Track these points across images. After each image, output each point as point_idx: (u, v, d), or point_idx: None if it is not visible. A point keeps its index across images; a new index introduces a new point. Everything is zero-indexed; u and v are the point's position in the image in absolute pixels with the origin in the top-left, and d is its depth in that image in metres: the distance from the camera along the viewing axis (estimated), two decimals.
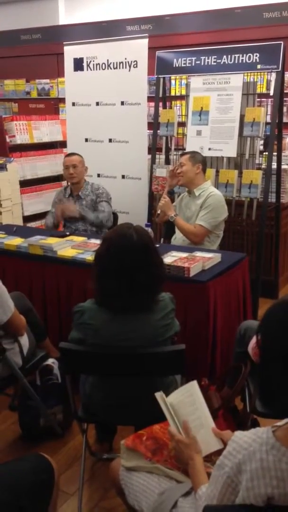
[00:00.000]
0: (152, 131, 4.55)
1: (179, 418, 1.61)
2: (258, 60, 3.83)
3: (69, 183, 4.12)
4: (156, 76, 4.39)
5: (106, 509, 2.18)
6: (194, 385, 1.67)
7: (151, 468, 1.60)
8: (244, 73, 3.91)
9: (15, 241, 3.21)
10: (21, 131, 5.03)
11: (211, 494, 1.22)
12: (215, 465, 1.25)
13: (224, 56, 3.96)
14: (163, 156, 4.64)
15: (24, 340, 2.47)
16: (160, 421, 1.72)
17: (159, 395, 1.63)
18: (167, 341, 1.98)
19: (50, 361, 2.69)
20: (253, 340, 2.13)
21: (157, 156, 4.53)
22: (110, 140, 4.65)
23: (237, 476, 1.17)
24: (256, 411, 2.08)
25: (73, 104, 4.85)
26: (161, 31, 6.64)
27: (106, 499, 2.23)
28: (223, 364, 2.69)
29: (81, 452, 2.30)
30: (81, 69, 4.70)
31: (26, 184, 4.99)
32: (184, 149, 4.17)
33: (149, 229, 3.15)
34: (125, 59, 4.41)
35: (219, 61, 4.00)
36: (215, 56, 4.01)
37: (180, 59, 4.19)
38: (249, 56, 3.86)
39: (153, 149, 4.48)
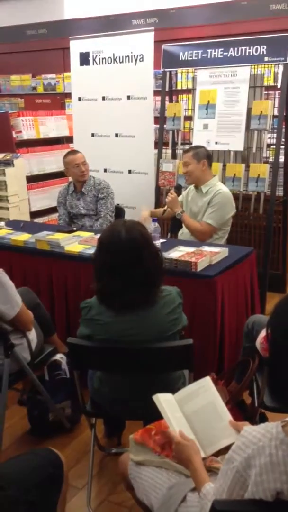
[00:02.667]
0: (158, 126, 4.53)
1: (191, 416, 1.60)
2: (265, 53, 3.80)
3: (71, 180, 4.08)
4: (162, 70, 4.37)
5: (115, 503, 2.19)
6: (207, 380, 1.67)
7: (160, 462, 1.61)
8: (251, 65, 3.88)
9: (23, 237, 3.22)
10: (28, 127, 5.03)
11: (220, 489, 1.22)
12: (224, 459, 1.25)
13: (231, 49, 3.94)
14: (169, 151, 4.62)
15: (32, 335, 2.49)
16: None
17: (156, 398, 1.62)
18: (175, 336, 1.97)
19: (58, 356, 2.70)
20: (262, 334, 2.13)
21: (163, 150, 4.52)
22: (116, 135, 4.64)
23: (246, 471, 1.17)
24: (265, 406, 2.08)
25: (79, 99, 4.84)
26: (167, 24, 6.59)
27: (115, 493, 2.24)
28: (231, 359, 2.68)
29: (90, 447, 2.31)
30: (87, 63, 4.68)
31: (33, 180, 4.99)
32: (191, 143, 4.15)
33: (156, 224, 3.15)
34: (131, 53, 4.39)
35: (226, 53, 3.97)
36: (222, 49, 3.98)
37: (186, 52, 4.17)
38: (256, 49, 3.83)
39: (159, 144, 4.47)
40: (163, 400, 1.62)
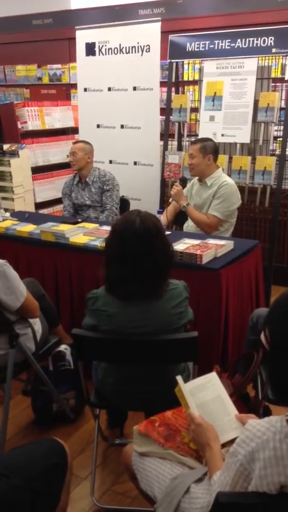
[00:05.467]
0: (164, 117, 4.51)
1: (198, 407, 1.61)
2: (272, 44, 3.77)
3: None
4: (168, 61, 4.34)
5: (118, 493, 2.21)
6: (214, 375, 1.67)
7: (163, 454, 1.61)
8: (258, 57, 3.85)
9: (28, 228, 3.22)
10: (33, 117, 5.01)
11: (224, 481, 1.23)
12: (228, 453, 1.25)
13: (238, 40, 3.90)
14: (175, 143, 4.59)
15: (38, 326, 2.50)
16: (173, 408, 1.73)
17: (179, 378, 1.63)
18: (180, 329, 1.98)
19: (63, 347, 2.71)
20: None
21: (169, 142, 4.49)
22: (122, 126, 4.62)
23: (250, 464, 1.17)
24: (268, 399, 2.08)
25: (85, 89, 4.81)
26: (174, 15, 6.52)
27: (119, 483, 2.25)
28: (235, 352, 2.69)
29: (94, 437, 2.33)
30: (93, 54, 4.65)
31: (38, 171, 4.98)
32: (197, 135, 4.13)
33: (161, 216, 3.14)
34: (138, 43, 4.36)
35: (233, 45, 3.94)
36: (229, 40, 3.95)
37: (193, 43, 4.13)
38: (264, 40, 3.80)
39: (165, 135, 4.44)
40: (183, 383, 1.63)
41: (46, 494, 1.56)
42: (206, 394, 1.63)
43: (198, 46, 4.12)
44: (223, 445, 1.50)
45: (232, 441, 1.29)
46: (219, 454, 1.43)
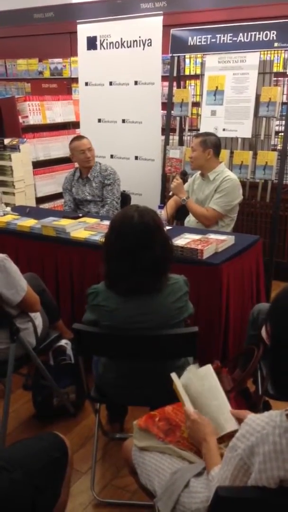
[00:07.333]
0: (166, 112, 4.50)
1: (195, 399, 1.62)
2: (275, 38, 3.75)
3: (77, 166, 4.06)
4: (170, 55, 4.32)
5: (118, 488, 2.21)
6: (209, 368, 1.67)
7: (163, 448, 1.62)
8: (260, 51, 3.83)
9: (28, 223, 3.22)
10: (34, 112, 5.00)
11: (223, 476, 1.23)
12: (228, 447, 1.25)
13: (240, 34, 3.88)
14: (177, 137, 4.58)
15: (38, 320, 2.50)
16: (173, 402, 1.73)
17: (174, 376, 1.64)
18: (181, 324, 1.98)
19: (63, 342, 2.71)
20: None
21: (170, 137, 4.48)
22: (123, 121, 4.61)
23: (250, 458, 1.17)
24: (268, 394, 2.08)
25: (86, 84, 4.80)
26: (176, 9, 6.49)
27: (119, 477, 2.26)
28: (235, 347, 2.69)
29: (94, 432, 2.33)
30: (94, 48, 4.63)
31: (39, 165, 4.97)
32: (198, 130, 4.11)
33: (162, 211, 3.14)
34: (139, 37, 4.34)
35: (235, 39, 3.92)
36: (231, 34, 3.93)
37: (195, 37, 4.11)
38: (266, 34, 3.78)
39: (166, 130, 4.43)
40: (177, 380, 1.63)
41: (47, 488, 1.56)
42: (200, 385, 1.63)
43: (199, 40, 4.10)
44: (222, 439, 1.50)
45: (230, 435, 1.29)
46: (216, 449, 1.43)
